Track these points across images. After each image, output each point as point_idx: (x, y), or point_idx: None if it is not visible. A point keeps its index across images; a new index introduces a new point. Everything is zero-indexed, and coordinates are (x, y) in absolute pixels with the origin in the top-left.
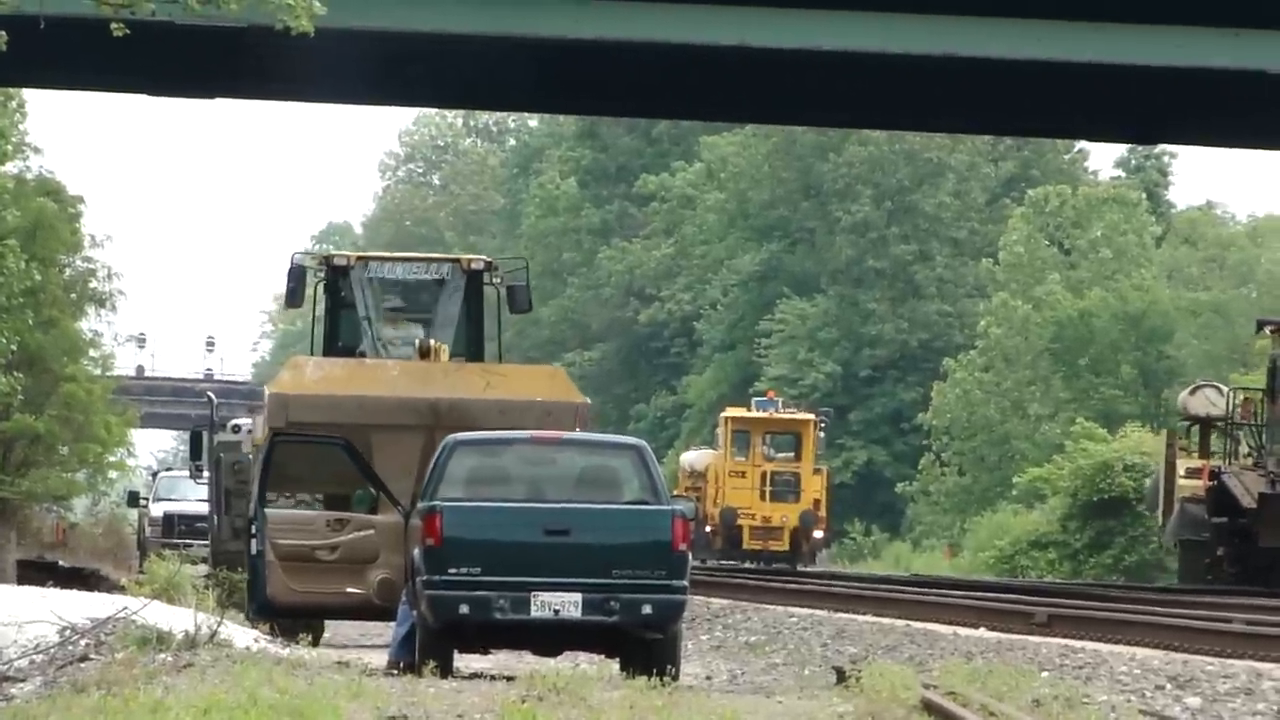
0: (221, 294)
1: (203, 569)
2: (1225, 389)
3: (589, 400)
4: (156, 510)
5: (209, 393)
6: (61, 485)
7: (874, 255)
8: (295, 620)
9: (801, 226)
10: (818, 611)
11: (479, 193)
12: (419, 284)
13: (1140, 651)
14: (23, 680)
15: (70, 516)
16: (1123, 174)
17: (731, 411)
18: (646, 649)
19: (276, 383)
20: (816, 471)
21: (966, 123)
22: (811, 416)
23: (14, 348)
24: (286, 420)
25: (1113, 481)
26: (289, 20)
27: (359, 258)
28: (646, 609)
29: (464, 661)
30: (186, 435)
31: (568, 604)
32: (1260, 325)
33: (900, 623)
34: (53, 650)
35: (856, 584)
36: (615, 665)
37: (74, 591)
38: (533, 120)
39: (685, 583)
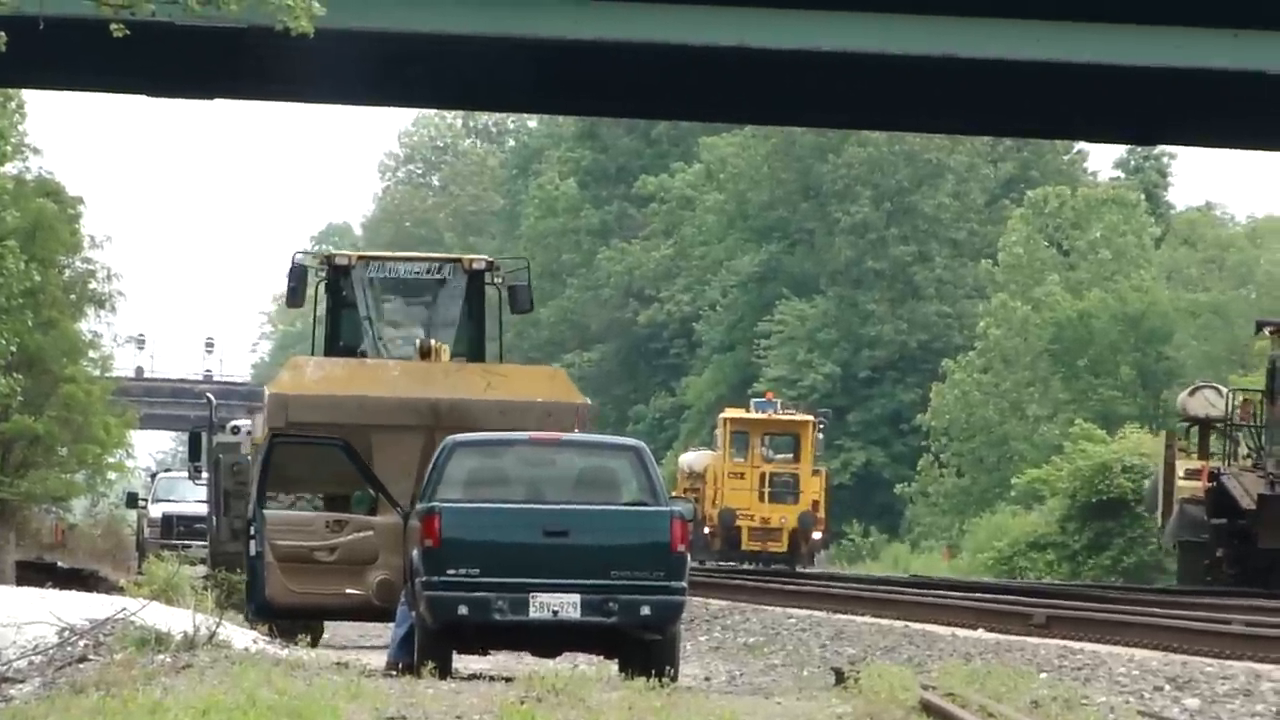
0: (221, 295)
1: (201, 570)
2: (1224, 390)
3: (590, 401)
4: (155, 511)
5: (208, 394)
6: (60, 486)
7: (873, 256)
8: (294, 621)
9: (801, 227)
10: (816, 612)
11: (478, 193)
12: (421, 284)
13: (1139, 653)
14: (21, 681)
15: (69, 517)
16: (1122, 175)
17: (730, 413)
18: (645, 650)
19: (276, 383)
20: (815, 473)
21: (966, 124)
22: (810, 418)
23: (13, 349)
24: (286, 421)
25: (1111, 483)
26: (289, 21)
27: (360, 257)
28: (645, 610)
29: (463, 662)
30: (185, 436)
31: (566, 605)
32: (1259, 326)
33: (899, 624)
34: (51, 651)
35: (855, 585)
36: (614, 666)
37: (73, 592)
38: (532, 121)
39: (684, 584)
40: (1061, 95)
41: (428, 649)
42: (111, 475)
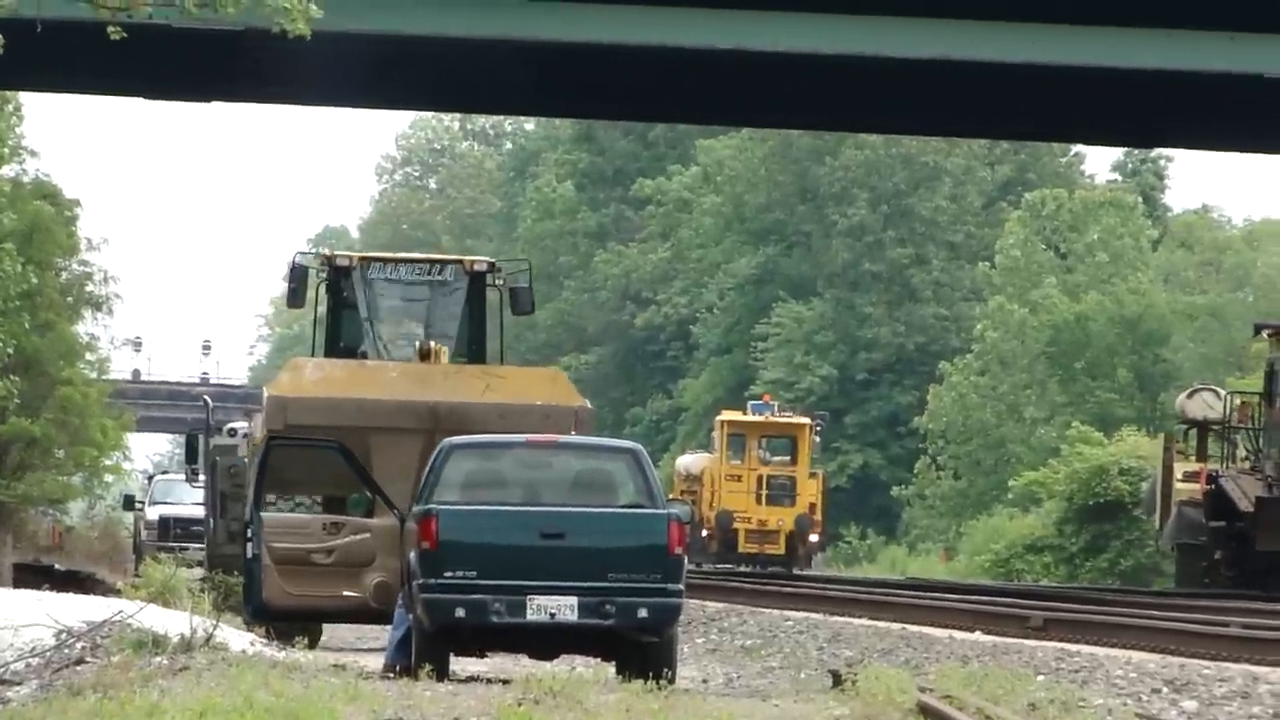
0: (218, 298)
1: (198, 572)
2: (1223, 392)
3: (589, 403)
4: (152, 514)
5: (205, 396)
6: (57, 488)
7: (870, 259)
8: (291, 623)
9: (798, 230)
10: (813, 615)
11: (475, 196)
12: (422, 285)
13: (1136, 655)
14: (18, 683)
15: (66, 520)
16: (1119, 177)
17: (727, 415)
18: (642, 652)
19: (275, 385)
20: (812, 475)
21: (963, 126)
22: (807, 420)
23: (10, 351)
24: (285, 423)
25: (1108, 485)
26: (286, 23)
27: (362, 258)
28: (642, 612)
29: (460, 664)
30: (182, 439)
31: (563, 607)
32: (1257, 329)
33: (896, 626)
34: (48, 654)
35: (852, 587)
36: (611, 668)
37: (70, 595)
38: (529, 123)
39: (681, 586)
40: (1059, 98)
41: (425, 651)
42: (108, 477)
